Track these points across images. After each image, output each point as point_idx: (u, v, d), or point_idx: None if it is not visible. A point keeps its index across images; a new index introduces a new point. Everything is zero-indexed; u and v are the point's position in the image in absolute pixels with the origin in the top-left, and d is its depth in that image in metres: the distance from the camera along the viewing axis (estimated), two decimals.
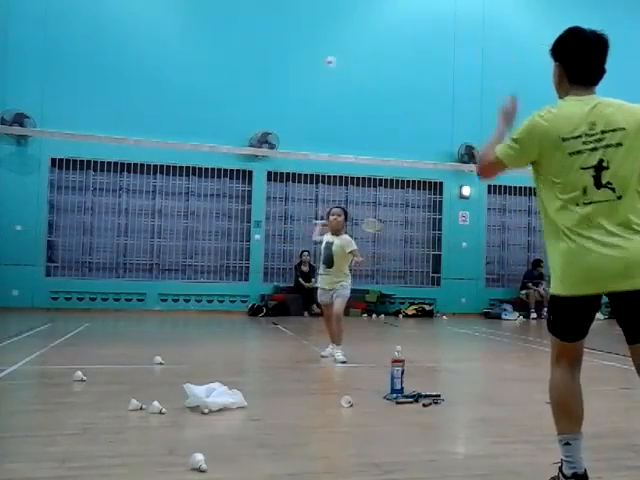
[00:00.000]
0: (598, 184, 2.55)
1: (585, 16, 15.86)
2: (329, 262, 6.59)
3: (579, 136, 2.57)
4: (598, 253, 2.50)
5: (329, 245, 6.61)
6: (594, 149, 2.56)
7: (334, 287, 6.58)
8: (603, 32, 2.70)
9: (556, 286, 2.65)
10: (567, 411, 2.71)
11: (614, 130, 2.56)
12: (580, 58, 2.70)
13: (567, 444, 2.67)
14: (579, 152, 2.57)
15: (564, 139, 2.58)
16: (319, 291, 6.82)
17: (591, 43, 2.68)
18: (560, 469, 2.72)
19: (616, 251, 2.49)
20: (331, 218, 6.72)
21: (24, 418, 4.04)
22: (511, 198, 15.30)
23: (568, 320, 2.68)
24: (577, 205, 2.56)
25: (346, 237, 6.69)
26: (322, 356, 6.72)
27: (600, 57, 2.69)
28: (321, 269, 6.78)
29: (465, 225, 14.62)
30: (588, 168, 2.56)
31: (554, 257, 2.65)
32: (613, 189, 2.54)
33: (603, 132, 2.56)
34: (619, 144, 2.55)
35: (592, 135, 2.57)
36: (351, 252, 6.55)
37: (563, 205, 2.58)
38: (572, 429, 2.68)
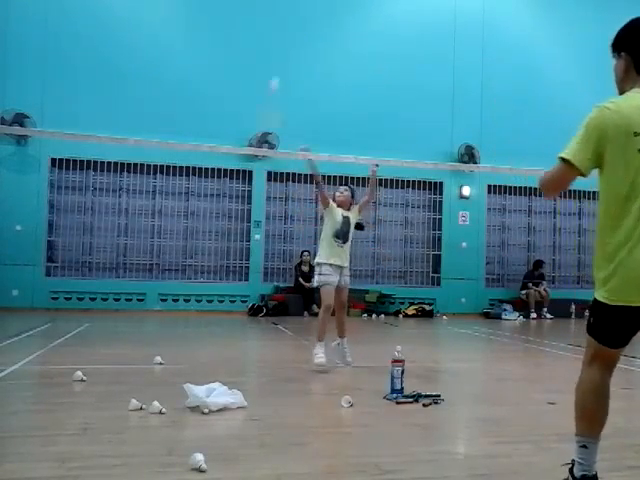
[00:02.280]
0: None
1: (585, 16, 15.91)
2: (346, 237, 6.33)
3: None
4: None
5: (346, 219, 6.37)
6: None
7: (344, 265, 6.24)
8: None
9: (606, 294, 2.49)
10: (590, 414, 2.62)
11: None
12: None
13: (584, 447, 2.59)
14: None
15: (636, 133, 2.40)
16: (326, 268, 6.13)
17: None
18: (570, 470, 2.66)
19: None
20: (338, 193, 6.58)
21: (24, 418, 4.04)
22: (511, 198, 15.30)
23: (613, 328, 2.54)
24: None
25: (355, 207, 6.62)
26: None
27: None
28: (332, 243, 6.22)
29: (465, 225, 14.62)
30: None
31: (609, 264, 2.47)
32: None
33: None
34: None
35: None
36: (359, 207, 6.55)
37: (626, 207, 2.42)
38: (592, 433, 2.60)
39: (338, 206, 6.47)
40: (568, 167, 2.47)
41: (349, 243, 6.40)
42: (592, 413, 2.61)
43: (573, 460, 2.66)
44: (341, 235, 6.30)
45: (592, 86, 15.36)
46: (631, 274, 2.43)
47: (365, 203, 6.84)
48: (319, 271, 6.20)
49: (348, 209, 6.54)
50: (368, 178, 6.69)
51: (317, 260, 6.31)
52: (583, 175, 2.49)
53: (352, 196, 6.64)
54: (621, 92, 2.62)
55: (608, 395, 2.63)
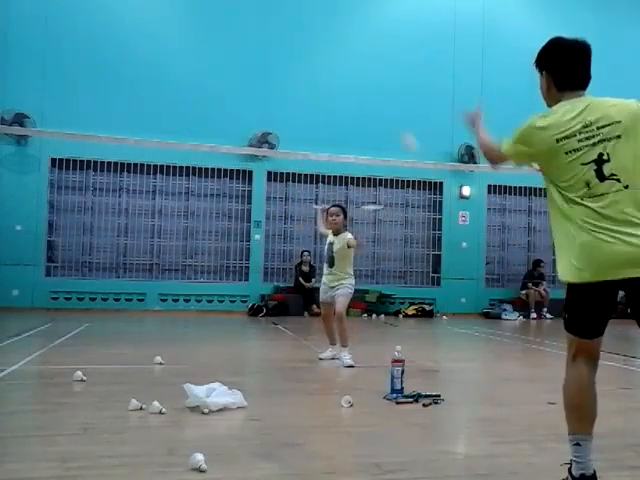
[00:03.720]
0: (601, 177, 2.61)
1: (585, 16, 15.90)
2: (331, 262, 6.62)
3: (574, 135, 2.65)
4: (611, 243, 2.54)
5: (330, 246, 6.64)
6: (593, 145, 2.63)
7: (336, 285, 6.54)
8: (585, 40, 2.82)
9: (572, 275, 2.65)
10: (580, 411, 2.70)
11: (610, 124, 2.63)
12: (566, 65, 2.79)
13: (577, 444, 2.67)
14: (577, 150, 2.64)
15: (558, 140, 2.66)
16: (321, 288, 6.79)
17: (575, 50, 2.80)
18: (569, 470, 2.72)
19: (629, 239, 2.54)
20: (330, 219, 6.69)
21: (24, 418, 4.04)
22: (511, 198, 15.31)
23: (584, 313, 2.69)
24: (583, 199, 2.62)
25: (345, 235, 6.62)
26: (320, 359, 6.65)
27: (585, 63, 2.80)
28: (324, 268, 6.80)
29: (465, 225, 14.62)
30: (588, 163, 2.63)
31: (569, 251, 2.66)
32: (618, 179, 2.60)
33: (599, 128, 2.64)
34: (618, 137, 2.63)
35: (588, 132, 2.64)
36: (347, 244, 6.50)
37: (573, 201, 2.64)
38: (583, 429, 2.68)
39: (331, 229, 6.78)
40: (505, 156, 2.92)
41: (339, 266, 6.58)
42: (581, 410, 2.70)
43: (571, 460, 2.71)
44: (327, 259, 6.73)
45: (592, 86, 15.41)
46: (587, 256, 2.60)
47: (354, 246, 6.66)
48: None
49: (337, 233, 6.67)
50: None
51: None
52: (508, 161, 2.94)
53: (344, 217, 6.79)
54: (548, 106, 2.87)
55: (594, 391, 2.72)
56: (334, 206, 6.93)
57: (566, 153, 2.65)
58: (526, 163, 2.97)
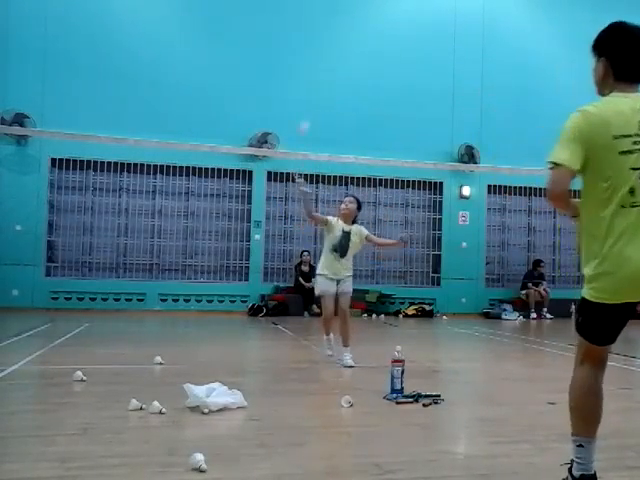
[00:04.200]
0: None
1: (585, 17, 15.92)
2: (343, 252, 6.32)
3: (629, 135, 2.47)
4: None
5: (346, 234, 6.32)
6: None
7: (340, 277, 6.31)
8: None
9: (592, 291, 2.53)
10: (585, 413, 2.64)
11: None
12: (628, 54, 2.61)
13: (580, 446, 2.61)
14: (629, 152, 2.47)
15: (615, 137, 2.47)
16: (321, 279, 6.34)
17: (638, 38, 2.62)
18: (569, 470, 2.69)
19: None
20: (342, 207, 6.43)
21: (24, 418, 4.04)
22: (511, 198, 15.30)
23: (599, 325, 2.59)
24: (623, 207, 2.47)
25: (360, 228, 6.52)
26: (332, 356, 6.48)
27: None
28: (330, 256, 6.32)
29: (465, 225, 14.62)
30: (637, 169, 2.46)
31: (594, 260, 2.52)
32: None
33: None
34: None
35: None
36: (367, 237, 6.45)
37: (608, 207, 2.48)
38: (588, 432, 2.62)
39: (340, 218, 6.40)
40: (558, 170, 2.52)
41: (349, 257, 6.39)
42: (587, 412, 2.64)
43: (572, 460, 2.68)
44: (339, 248, 6.32)
45: (591, 87, 15.40)
46: (612, 271, 2.47)
47: (372, 241, 6.77)
48: (318, 282, 6.49)
49: (353, 221, 6.45)
50: (392, 243, 7.02)
51: (317, 272, 6.61)
52: (574, 174, 2.52)
53: (358, 207, 6.51)
54: (600, 93, 2.68)
55: (601, 393, 2.66)
56: (350, 196, 6.70)
57: (620, 153, 2.46)
58: (579, 161, 2.51)
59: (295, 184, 7.25)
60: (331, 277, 6.31)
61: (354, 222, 6.49)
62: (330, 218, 6.42)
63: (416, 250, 14.67)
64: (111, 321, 10.85)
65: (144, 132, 12.19)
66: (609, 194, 2.49)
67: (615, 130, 2.48)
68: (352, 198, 6.56)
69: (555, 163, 2.52)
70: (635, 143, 2.47)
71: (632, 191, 2.46)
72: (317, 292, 6.50)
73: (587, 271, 2.56)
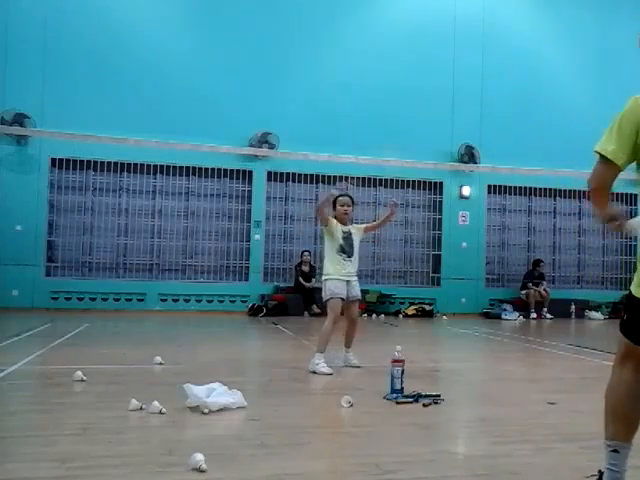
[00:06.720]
0: None
1: (585, 18, 15.85)
2: (351, 251, 6.29)
3: None
4: None
5: (348, 235, 6.32)
6: None
7: (351, 279, 6.26)
8: None
9: (636, 287, 2.39)
10: (623, 416, 2.46)
11: None
12: None
13: (615, 451, 2.44)
14: None
15: None
16: (331, 282, 6.16)
17: None
18: None
19: None
20: (342, 210, 6.35)
21: (24, 418, 4.04)
22: (511, 198, 15.30)
23: None
24: None
25: (353, 225, 6.55)
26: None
27: None
28: (337, 257, 6.24)
29: (465, 225, 14.62)
30: None
31: None
32: None
33: None
34: None
35: None
36: (365, 229, 6.51)
37: None
38: (625, 436, 2.45)
39: (339, 221, 6.35)
40: (601, 163, 2.36)
41: (356, 257, 6.35)
42: (627, 416, 2.47)
43: (600, 471, 2.54)
44: (347, 249, 6.27)
45: (591, 87, 15.44)
46: None
47: (372, 228, 6.84)
48: (327, 286, 6.19)
49: (348, 223, 6.44)
50: (388, 215, 6.70)
51: (324, 277, 6.29)
52: (619, 169, 2.36)
53: (352, 204, 6.50)
54: None
55: None
56: (344, 196, 6.50)
57: None
58: (626, 157, 2.33)
59: (335, 187, 7.16)
60: (341, 278, 6.20)
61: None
62: (332, 219, 6.38)
63: (416, 250, 14.68)
64: (111, 321, 10.85)
65: (144, 132, 12.20)
66: None
67: None
68: (348, 199, 6.49)
69: (600, 154, 2.36)
70: None
71: None
72: (327, 295, 6.17)
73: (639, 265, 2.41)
